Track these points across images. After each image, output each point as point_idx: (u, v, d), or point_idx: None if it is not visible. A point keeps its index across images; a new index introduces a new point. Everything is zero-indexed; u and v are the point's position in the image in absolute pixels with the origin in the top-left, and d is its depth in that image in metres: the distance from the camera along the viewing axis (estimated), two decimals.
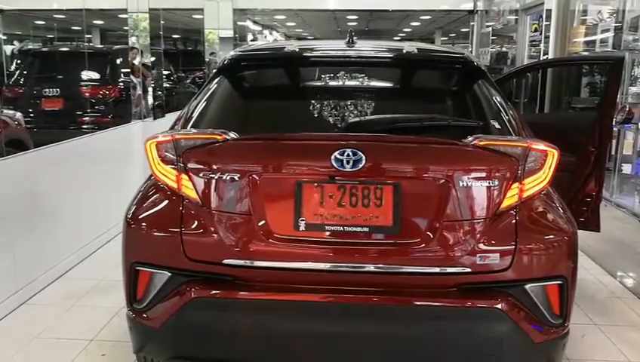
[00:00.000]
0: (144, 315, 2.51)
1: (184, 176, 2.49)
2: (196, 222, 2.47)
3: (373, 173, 2.41)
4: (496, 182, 2.41)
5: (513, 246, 2.37)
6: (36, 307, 3.95)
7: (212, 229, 2.44)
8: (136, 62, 7.50)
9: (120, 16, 10.58)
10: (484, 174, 2.42)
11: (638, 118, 4.62)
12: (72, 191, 4.71)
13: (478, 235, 2.39)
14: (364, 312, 2.39)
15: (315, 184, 2.43)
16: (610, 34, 5.74)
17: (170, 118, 6.40)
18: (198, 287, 2.40)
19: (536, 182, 2.42)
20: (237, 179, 2.43)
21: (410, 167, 2.46)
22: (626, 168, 5.37)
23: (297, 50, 3.17)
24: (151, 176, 2.65)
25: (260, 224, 2.42)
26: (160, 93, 8.66)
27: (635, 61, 5.43)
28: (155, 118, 7.11)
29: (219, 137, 2.51)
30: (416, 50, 3.16)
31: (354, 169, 2.37)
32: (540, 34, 7.42)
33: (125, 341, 2.81)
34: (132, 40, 7.36)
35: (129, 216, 2.59)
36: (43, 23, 17.03)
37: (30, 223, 4.15)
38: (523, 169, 2.43)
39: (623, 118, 4.61)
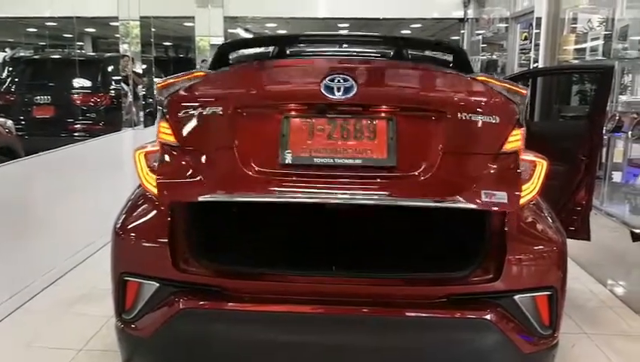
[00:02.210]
0: (133, 326, 2.50)
1: (163, 124, 2.45)
2: (174, 162, 2.41)
3: (366, 102, 2.34)
4: (498, 119, 2.35)
5: (502, 256, 2.36)
6: (27, 314, 3.92)
7: (188, 164, 2.37)
8: (127, 69, 7.49)
9: (111, 24, 10.59)
10: (485, 108, 2.36)
11: (627, 127, 4.64)
12: (63, 198, 4.69)
13: (478, 169, 2.35)
14: (357, 336, 2.35)
15: (304, 118, 2.35)
16: (600, 42, 5.76)
17: None
18: (187, 298, 2.38)
19: (526, 193, 2.42)
20: (220, 113, 2.36)
21: (406, 95, 2.41)
22: (616, 176, 5.39)
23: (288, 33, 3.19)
24: (139, 185, 2.64)
25: (242, 159, 2.34)
26: (151, 100, 8.65)
27: (625, 69, 5.46)
28: (145, 126, 7.09)
29: (201, 74, 2.48)
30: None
31: (345, 96, 2.30)
32: (530, 42, 7.46)
33: (114, 350, 2.78)
34: (123, 47, 7.35)
35: (118, 226, 2.57)
36: (35, 30, 17.00)
37: (22, 230, 4.13)
38: (520, 116, 2.40)
39: (613, 127, 4.63)
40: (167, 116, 2.44)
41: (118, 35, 7.42)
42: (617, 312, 4.14)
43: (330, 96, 2.30)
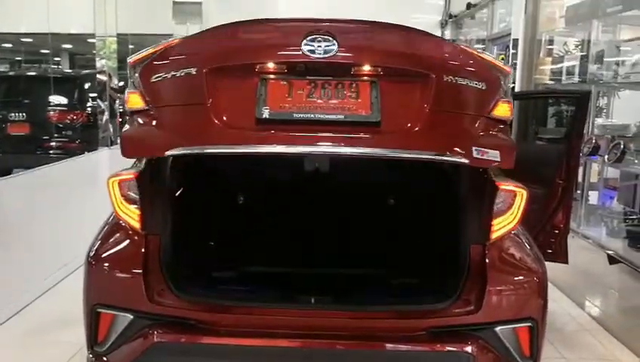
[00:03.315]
0: (105, 358, 2.43)
1: (133, 93, 2.36)
2: (140, 122, 2.32)
3: (350, 60, 2.26)
4: (484, 86, 2.32)
5: (483, 287, 2.34)
6: None
7: (156, 123, 2.30)
8: (104, 86, 7.42)
9: (89, 40, 10.52)
10: (471, 71, 2.33)
11: (604, 150, 4.67)
12: (35, 220, 4.59)
13: (468, 128, 2.31)
14: None
15: (283, 79, 2.26)
16: (576, 62, 5.81)
17: None
18: (162, 331, 2.33)
19: (505, 223, 2.40)
20: (193, 74, 2.26)
21: (391, 54, 2.34)
22: (593, 196, 5.42)
23: None
24: (113, 213, 2.57)
25: (216, 115, 2.23)
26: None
27: (600, 92, 5.52)
28: None
29: (176, 41, 2.41)
30: None
31: (327, 55, 2.21)
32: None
33: None
34: (100, 63, 7.28)
35: (91, 256, 2.51)
36: (10, 45, 16.82)
37: None
38: (507, 91, 2.39)
39: (589, 150, 4.66)
40: (138, 84, 2.36)
41: (95, 52, 7.35)
42: (595, 336, 4.15)
43: (312, 55, 2.21)
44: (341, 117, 2.23)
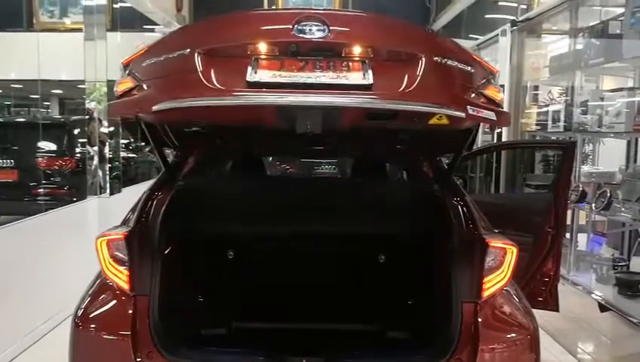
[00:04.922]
0: None
1: (123, 80, 2.38)
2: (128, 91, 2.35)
3: (338, 42, 2.27)
4: (472, 69, 2.36)
5: (475, 346, 2.32)
6: None
7: (144, 88, 2.31)
8: (93, 131, 7.42)
9: (79, 86, 10.58)
10: (457, 55, 2.35)
11: (591, 197, 4.70)
12: (20, 274, 4.52)
13: (461, 93, 2.31)
14: None
15: (274, 59, 2.25)
16: (562, 108, 5.90)
17: (128, 192, 6.26)
18: None
19: (496, 280, 2.40)
20: (185, 54, 2.27)
21: (381, 37, 2.37)
22: (581, 238, 5.43)
23: None
24: (101, 273, 2.55)
25: (206, 78, 2.21)
26: (117, 163, 8.54)
27: (585, 140, 5.58)
28: (111, 193, 6.92)
29: None
30: None
31: (317, 36, 2.22)
32: None
33: None
34: (90, 105, 7.29)
35: (78, 317, 2.48)
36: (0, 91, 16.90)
37: None
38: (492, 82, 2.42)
39: (577, 198, 4.69)
40: (130, 72, 2.38)
41: (85, 97, 7.37)
42: None
43: (303, 36, 2.22)
44: (333, 81, 2.22)
